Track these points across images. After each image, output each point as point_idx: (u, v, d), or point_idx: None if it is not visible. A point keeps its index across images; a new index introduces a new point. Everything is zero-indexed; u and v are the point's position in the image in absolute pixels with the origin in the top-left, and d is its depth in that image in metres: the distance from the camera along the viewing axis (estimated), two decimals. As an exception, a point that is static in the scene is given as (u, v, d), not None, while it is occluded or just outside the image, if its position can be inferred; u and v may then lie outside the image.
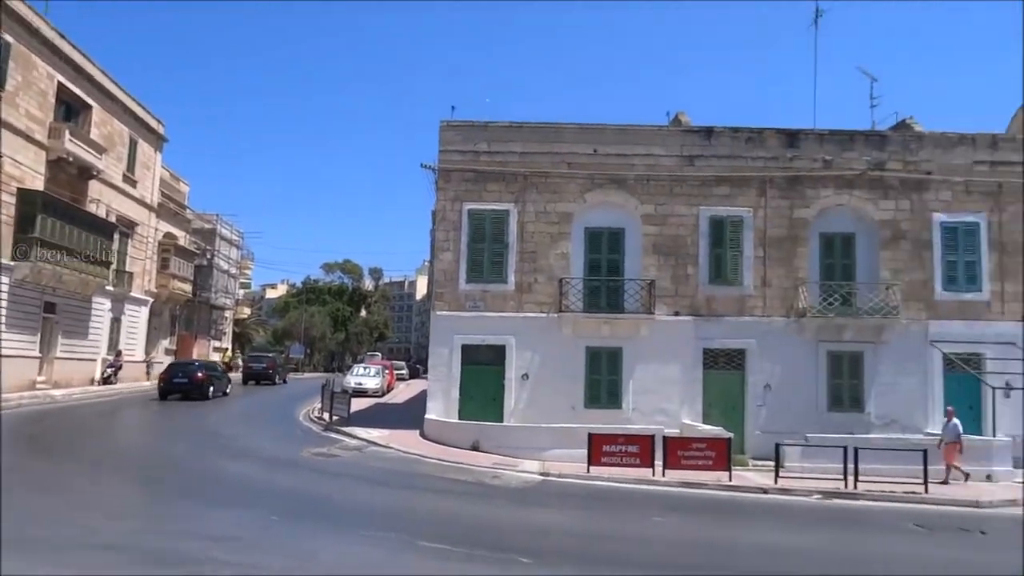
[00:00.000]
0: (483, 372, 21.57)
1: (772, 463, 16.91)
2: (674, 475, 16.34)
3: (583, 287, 21.77)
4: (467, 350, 21.61)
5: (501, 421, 20.96)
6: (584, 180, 22.09)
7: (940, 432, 18.16)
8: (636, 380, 21.36)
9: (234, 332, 60.14)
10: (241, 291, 68.12)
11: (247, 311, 71.92)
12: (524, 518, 12.03)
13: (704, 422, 20.64)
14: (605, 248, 22.24)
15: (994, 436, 19.78)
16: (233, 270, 56.14)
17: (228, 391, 31.99)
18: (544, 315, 21.56)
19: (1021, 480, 18.18)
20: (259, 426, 22.27)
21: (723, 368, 21.58)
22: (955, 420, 17.82)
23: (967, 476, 17.31)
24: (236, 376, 42.19)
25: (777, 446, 17.14)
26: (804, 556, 10.30)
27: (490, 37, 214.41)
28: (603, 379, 21.55)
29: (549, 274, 21.76)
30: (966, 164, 22.20)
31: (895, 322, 21.29)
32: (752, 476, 17.43)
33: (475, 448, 19.08)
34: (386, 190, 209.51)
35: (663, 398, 21.15)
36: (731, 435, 17.95)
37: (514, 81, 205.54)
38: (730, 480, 16.33)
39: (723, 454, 16.75)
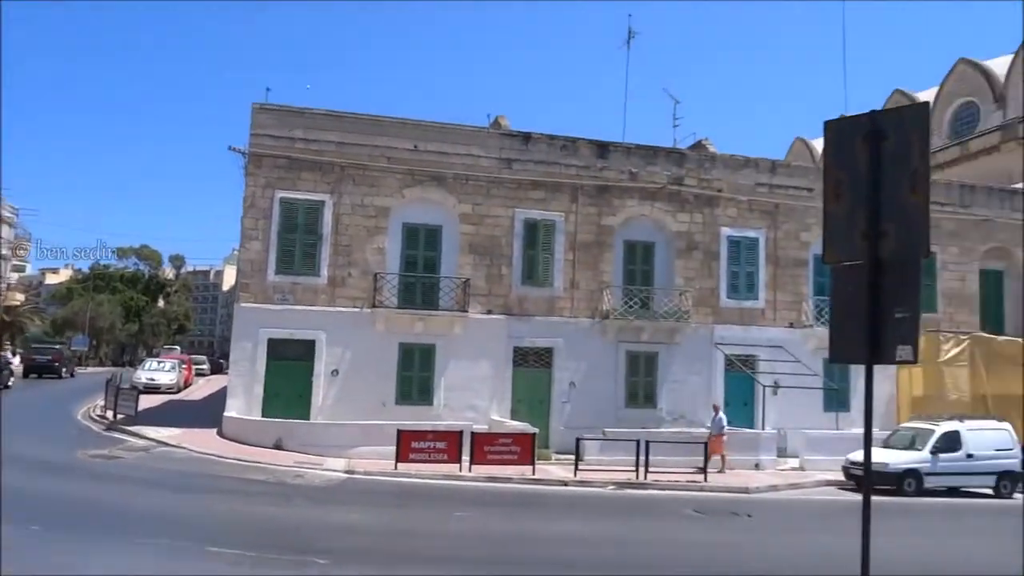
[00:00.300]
0: (290, 368, 20.72)
1: (574, 457, 17.78)
2: (481, 470, 16.63)
3: (398, 283, 21.58)
4: (274, 344, 20.65)
5: (308, 419, 20.24)
6: (403, 175, 21.90)
7: (711, 426, 19.74)
8: (448, 377, 21.51)
9: (2, 321, 53.30)
10: (14, 275, 60.54)
11: (20, 297, 64.04)
12: (324, 517, 11.67)
13: (513, 418, 21.21)
14: (422, 245, 22.21)
15: (763, 429, 22.05)
16: (4, 251, 49.75)
17: (10, 384, 28.79)
18: (357, 310, 21.11)
19: (786, 468, 20.50)
20: (29, 424, 19.86)
21: (532, 366, 22.31)
22: (720, 414, 19.50)
23: (726, 467, 18.86)
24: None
25: (578, 440, 18.04)
26: (594, 543, 10.87)
27: (314, 23, 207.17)
28: (415, 376, 21.49)
29: (364, 268, 21.34)
30: (750, 185, 24.62)
31: (686, 325, 23.13)
32: (555, 469, 18.16)
33: (278, 447, 18.27)
34: (196, 172, 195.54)
35: (474, 395, 21.47)
36: (537, 430, 18.61)
37: (337, 71, 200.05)
38: (534, 474, 16.91)
39: (528, 449, 17.31)
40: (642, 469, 17.27)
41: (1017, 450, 19.20)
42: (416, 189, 22.02)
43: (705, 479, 17.47)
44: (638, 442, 17.46)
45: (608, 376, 22.64)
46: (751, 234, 24.48)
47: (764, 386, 22.81)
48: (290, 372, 20.67)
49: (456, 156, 22.27)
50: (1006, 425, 19.84)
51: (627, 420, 21.55)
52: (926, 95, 48.33)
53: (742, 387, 23.56)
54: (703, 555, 10.58)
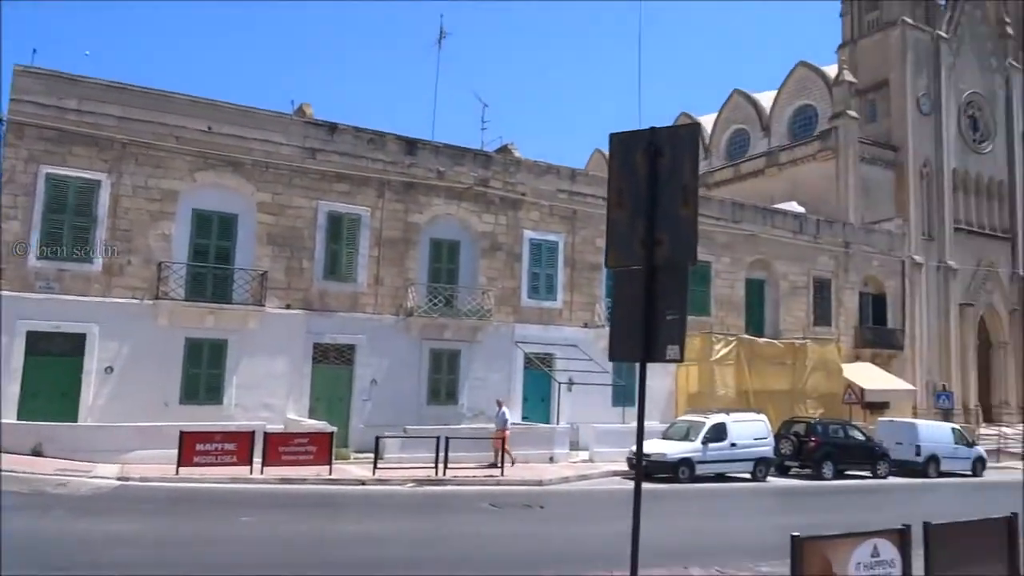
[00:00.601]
0: (55, 364, 18.54)
1: (373, 455, 17.55)
2: (274, 472, 15.91)
3: (186, 273, 20.05)
4: (34, 338, 18.34)
5: (76, 420, 18.22)
6: (195, 158, 20.39)
7: (495, 421, 19.96)
8: (241, 374, 20.34)
9: None
10: None
11: None
12: (89, 529, 10.55)
13: (311, 417, 20.52)
14: (215, 233, 20.81)
15: (557, 424, 23.14)
16: None
17: None
18: (137, 301, 19.34)
19: (578, 460, 21.64)
20: None
21: (333, 363, 21.71)
22: (503, 409, 19.78)
23: (513, 461, 19.05)
24: None
25: (377, 438, 17.85)
26: (388, 542, 10.78)
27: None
28: (203, 373, 20.09)
29: (147, 256, 19.59)
30: (551, 190, 25.74)
31: (488, 324, 23.69)
32: (353, 469, 17.81)
33: (37, 453, 16.26)
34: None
35: (269, 393, 20.49)
36: (335, 429, 18.14)
37: (124, 40, 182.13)
38: (330, 474, 16.47)
39: (325, 448, 16.83)
40: (441, 466, 17.43)
41: (771, 438, 21.74)
42: (209, 173, 20.59)
43: (502, 473, 18.01)
44: (438, 439, 17.59)
45: (411, 373, 22.61)
46: (552, 238, 25.59)
47: (560, 383, 23.95)
48: (54, 369, 18.50)
49: (255, 141, 21.11)
50: (763, 416, 22.37)
51: (429, 417, 21.66)
52: (706, 119, 53.35)
53: (540, 384, 24.56)
54: (496, 547, 10.87)
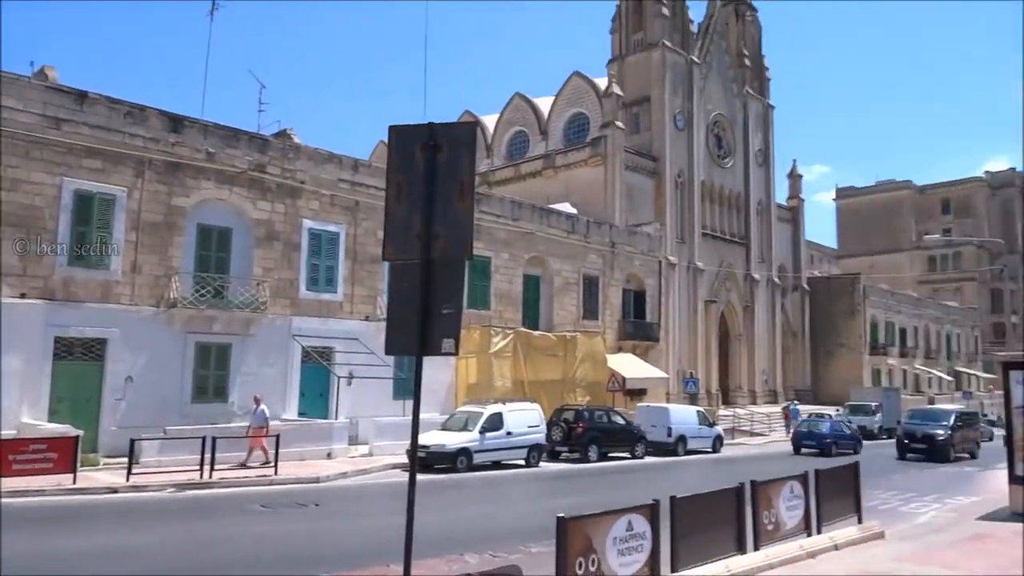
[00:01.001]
0: None
1: (127, 460, 15.95)
2: (4, 484, 13.88)
3: None
4: None
5: None
6: (-99, 119, 17.18)
7: (251, 418, 18.88)
8: (-40, 375, 17.48)
9: None
10: None
11: None
12: None
13: (51, 420, 18.19)
14: (-73, 210, 17.69)
15: (336, 419, 22.61)
16: None
17: None
18: None
19: (357, 455, 21.30)
20: None
21: (79, 359, 19.42)
22: (262, 406, 18.73)
23: (267, 460, 17.92)
24: None
25: (132, 441, 16.27)
26: (142, 553, 9.89)
27: None
28: (-91, 374, 17.01)
29: None
30: (333, 180, 25.04)
31: (263, 316, 22.53)
32: (102, 476, 16.08)
33: None
34: None
35: (-3, 395, 17.83)
36: (80, 433, 16.21)
37: None
38: (75, 483, 14.74)
39: (68, 454, 15.01)
40: (207, 468, 16.29)
41: (543, 426, 22.95)
42: (-79, 139, 17.47)
43: (276, 472, 17.24)
44: (204, 439, 16.42)
45: (174, 370, 20.88)
46: (332, 228, 24.91)
47: (339, 377, 23.41)
48: None
49: (-17, 105, 18.24)
50: (536, 405, 23.54)
51: (195, 416, 20.15)
52: (490, 120, 54.96)
53: (319, 378, 23.85)
54: (267, 549, 10.39)
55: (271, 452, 17.93)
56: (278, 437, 18.01)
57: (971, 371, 70.96)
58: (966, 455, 27.93)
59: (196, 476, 16.09)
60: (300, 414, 23.15)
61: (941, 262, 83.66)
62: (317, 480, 17.37)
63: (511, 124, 53.26)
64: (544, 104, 51.60)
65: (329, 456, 20.58)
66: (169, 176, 21.26)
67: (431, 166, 4.32)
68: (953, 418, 28.41)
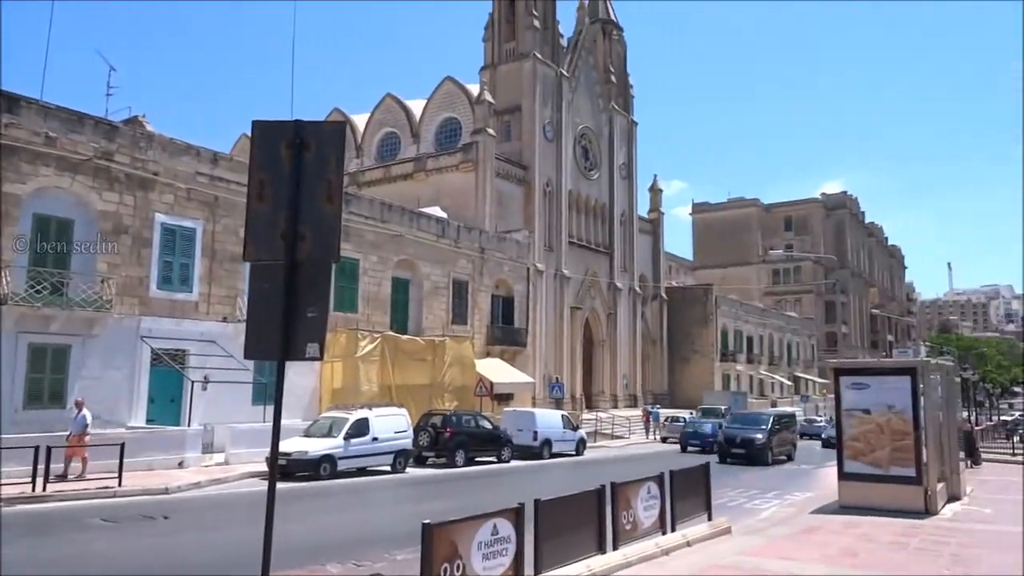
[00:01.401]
0: None
1: (-59, 475, 14.30)
2: None
3: None
4: None
5: None
6: None
7: (72, 425, 17.37)
8: None
9: None
10: None
11: None
12: None
13: None
14: None
15: (189, 426, 21.36)
16: None
17: None
18: None
19: (212, 464, 20.20)
20: None
21: None
22: (84, 412, 17.27)
23: (83, 472, 16.63)
24: None
25: (-51, 454, 14.61)
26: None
27: None
28: None
29: None
30: (190, 172, 23.68)
31: (108, 316, 20.95)
32: (-90, 494, 14.32)
33: None
34: None
35: None
36: None
37: None
38: None
39: None
40: (40, 479, 14.90)
41: (410, 431, 22.72)
42: None
43: (120, 483, 16.02)
44: (36, 448, 15.02)
45: (3, 373, 18.97)
46: (188, 224, 23.56)
47: (193, 381, 22.15)
48: None
49: None
50: (403, 411, 23.28)
51: (27, 423, 18.45)
52: (360, 119, 53.99)
53: (170, 383, 22.48)
54: (108, 567, 9.62)
55: (87, 461, 16.62)
56: (123, 446, 16.72)
57: (808, 376, 77.10)
58: (784, 458, 27.97)
59: (28, 489, 14.68)
60: (149, 421, 21.70)
61: (784, 275, 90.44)
62: (166, 491, 16.31)
63: (382, 125, 52.57)
64: (416, 107, 51.33)
65: (181, 465, 19.40)
66: (2, 160, 19.33)
67: (297, 164, 4.17)
68: (771, 421, 28.02)
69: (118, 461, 16.32)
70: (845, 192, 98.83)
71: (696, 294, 63.77)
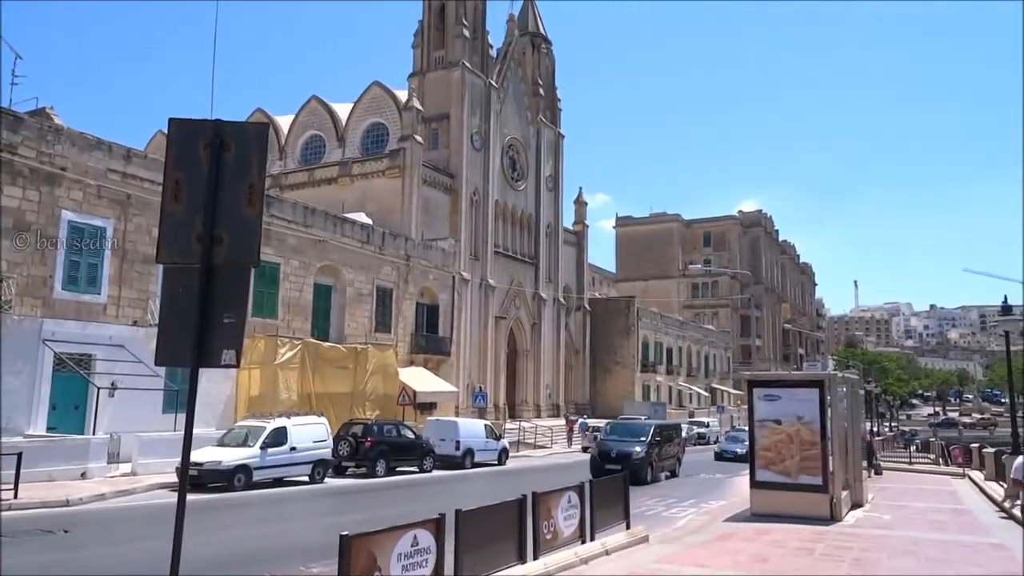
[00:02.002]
0: None
1: None
2: None
3: None
4: None
5: None
6: None
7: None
8: None
9: None
10: None
11: None
12: None
13: None
14: None
15: (94, 434, 20.32)
16: None
17: None
18: None
19: (118, 474, 19.26)
20: None
21: None
22: None
23: None
24: None
25: None
26: None
27: None
28: None
29: None
30: (101, 169, 22.63)
31: (6, 317, 19.75)
32: None
33: None
34: None
35: None
36: None
37: None
38: None
39: None
40: (-77, 495, 13.89)
41: (329, 440, 22.24)
42: None
43: (15, 496, 15.07)
44: (-80, 461, 13.99)
45: None
46: (98, 223, 22.50)
47: (100, 388, 21.12)
48: None
49: None
50: (323, 419, 22.76)
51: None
52: (284, 121, 52.88)
53: (74, 389, 21.38)
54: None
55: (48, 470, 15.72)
56: (20, 456, 15.74)
57: (724, 388, 79.53)
58: (667, 474, 24.78)
59: (-94, 505, 13.64)
60: (50, 429, 20.54)
61: (702, 289, 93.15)
62: (67, 503, 15.46)
63: (306, 127, 51.58)
64: (343, 110, 50.60)
65: (84, 476, 18.42)
66: None
67: (216, 165, 4.03)
68: (652, 433, 24.14)
69: (15, 472, 15.36)
70: (761, 211, 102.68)
71: (619, 306, 64.93)
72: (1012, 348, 22.21)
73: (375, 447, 23.54)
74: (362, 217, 37.04)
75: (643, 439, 23.83)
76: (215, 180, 4.04)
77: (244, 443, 19.79)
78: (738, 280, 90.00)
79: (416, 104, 43.65)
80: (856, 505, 15.91)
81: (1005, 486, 17.10)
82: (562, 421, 46.26)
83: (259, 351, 26.46)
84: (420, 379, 34.39)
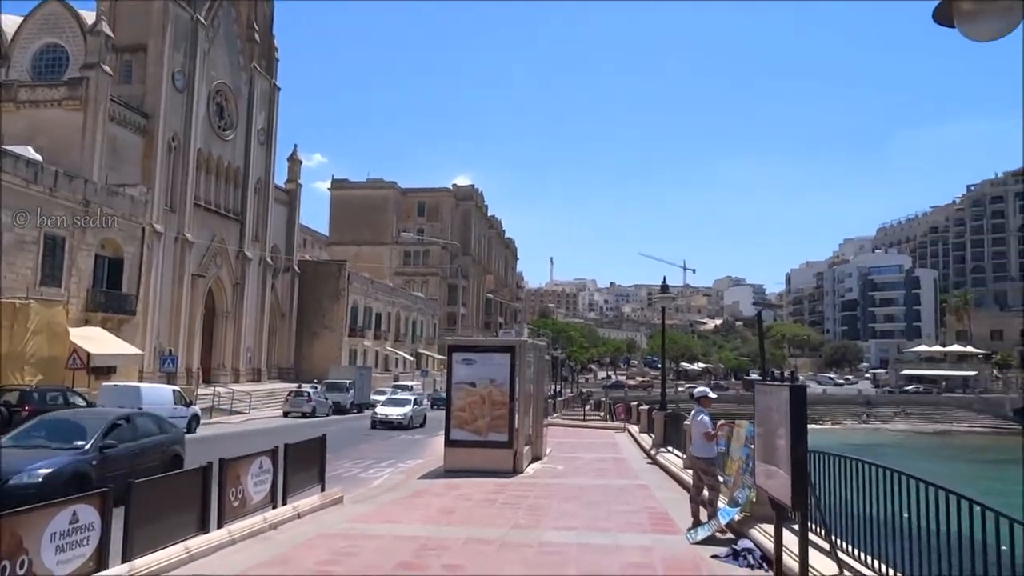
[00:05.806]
0: None
1: None
2: None
3: None
4: None
5: None
6: None
7: None
8: None
9: None
10: None
11: None
12: None
13: None
14: None
15: None
16: None
17: None
18: None
19: None
20: None
21: None
22: None
23: None
24: None
25: None
26: None
27: None
28: None
29: None
30: None
31: None
32: None
33: None
34: None
35: None
36: None
37: None
38: None
39: None
40: None
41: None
42: None
43: None
44: None
45: None
46: None
47: None
48: None
49: None
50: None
51: None
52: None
53: None
54: None
55: None
56: None
57: (430, 353, 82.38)
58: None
59: None
60: None
61: (414, 257, 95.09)
62: None
63: (-42, 38, 42.57)
64: (10, 24, 42.60)
65: None
66: None
67: None
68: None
69: None
70: (473, 186, 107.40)
71: (330, 269, 63.79)
72: (668, 321, 25.97)
73: (33, 417, 20.48)
74: (29, 151, 31.67)
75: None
76: None
77: None
78: (448, 250, 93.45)
79: (105, 29, 38.24)
80: (536, 458, 17.58)
81: (654, 436, 20.10)
82: (264, 385, 44.41)
83: None
84: (97, 340, 30.63)
